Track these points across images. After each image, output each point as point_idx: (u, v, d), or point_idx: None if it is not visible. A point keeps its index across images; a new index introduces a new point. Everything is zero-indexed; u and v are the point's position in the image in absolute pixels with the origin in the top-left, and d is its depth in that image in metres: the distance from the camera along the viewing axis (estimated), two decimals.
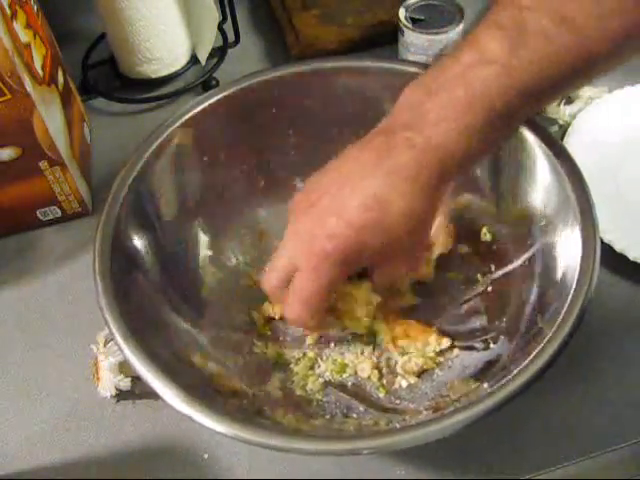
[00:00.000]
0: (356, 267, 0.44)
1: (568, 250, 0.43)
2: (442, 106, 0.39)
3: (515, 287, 0.48)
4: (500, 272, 0.50)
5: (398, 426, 0.41)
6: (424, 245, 0.46)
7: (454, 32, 0.63)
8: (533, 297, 0.46)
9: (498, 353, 0.45)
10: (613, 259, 0.52)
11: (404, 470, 0.46)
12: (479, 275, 0.51)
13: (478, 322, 0.49)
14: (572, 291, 0.40)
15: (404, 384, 0.47)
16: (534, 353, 0.38)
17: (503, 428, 0.46)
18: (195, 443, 0.47)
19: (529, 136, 0.46)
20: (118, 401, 0.50)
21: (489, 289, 0.50)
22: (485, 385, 0.42)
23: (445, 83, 0.40)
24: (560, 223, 0.45)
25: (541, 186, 0.47)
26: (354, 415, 0.46)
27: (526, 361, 0.38)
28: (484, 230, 0.52)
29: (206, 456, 0.47)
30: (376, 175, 0.40)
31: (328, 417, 0.46)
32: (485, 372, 0.45)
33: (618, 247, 0.52)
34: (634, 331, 0.51)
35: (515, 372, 0.38)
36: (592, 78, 0.42)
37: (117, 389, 0.49)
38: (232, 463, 0.47)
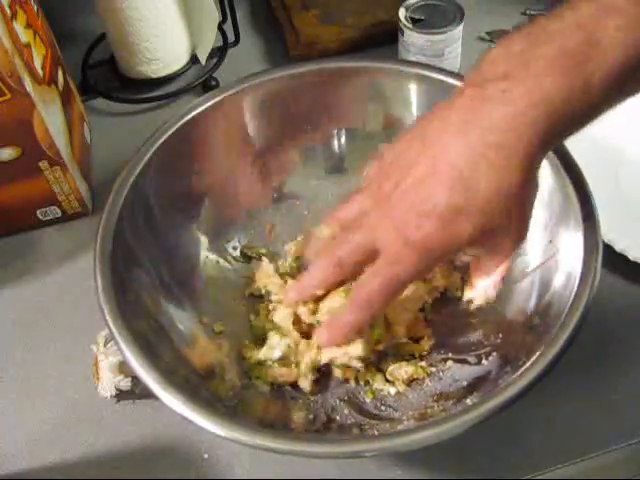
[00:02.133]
0: (446, 255, 0.37)
1: (569, 255, 0.43)
2: (554, 53, 0.33)
3: (514, 301, 0.47)
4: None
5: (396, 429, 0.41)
6: (525, 214, 0.38)
7: (454, 32, 0.63)
8: (532, 306, 0.45)
9: (488, 370, 0.44)
10: (613, 259, 0.52)
11: (403, 470, 0.46)
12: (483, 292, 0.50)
13: (474, 336, 0.48)
14: (572, 296, 0.40)
15: (392, 391, 0.47)
16: (534, 357, 0.38)
17: (503, 428, 0.46)
18: (195, 443, 0.47)
19: None
20: (118, 401, 0.50)
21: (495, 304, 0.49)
22: (468, 401, 0.41)
23: (559, 30, 0.33)
24: (562, 228, 0.44)
25: (544, 191, 0.46)
26: (337, 417, 0.45)
27: (527, 364, 0.38)
28: None
29: (206, 456, 0.47)
30: (463, 144, 0.34)
31: (311, 417, 0.45)
32: (473, 387, 0.44)
33: (618, 247, 0.52)
34: (634, 331, 0.51)
35: (518, 374, 0.38)
36: None
37: (117, 389, 0.49)
38: (232, 463, 0.47)
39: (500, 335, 0.46)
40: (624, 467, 0.47)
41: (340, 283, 0.43)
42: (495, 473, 0.45)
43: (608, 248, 0.52)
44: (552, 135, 0.34)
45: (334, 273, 0.41)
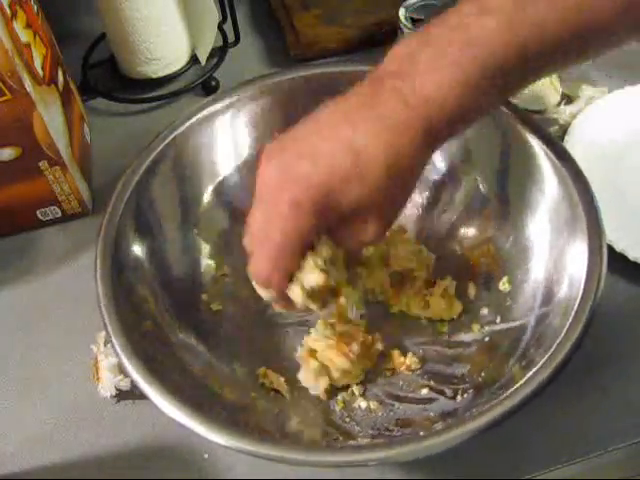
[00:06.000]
0: (328, 221, 0.38)
1: (574, 262, 0.43)
2: (436, 56, 0.36)
3: (510, 339, 0.46)
4: (505, 326, 0.48)
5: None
6: (399, 207, 0.41)
7: None
8: (535, 310, 0.45)
9: (458, 407, 0.44)
10: (613, 259, 0.52)
11: (403, 471, 0.46)
12: (479, 324, 0.49)
13: (460, 369, 0.47)
14: (577, 304, 0.40)
15: (363, 405, 0.47)
16: (537, 366, 0.38)
17: (503, 428, 0.46)
18: (195, 443, 0.47)
19: (534, 141, 0.47)
20: (118, 401, 0.50)
21: (486, 339, 0.48)
22: (421, 434, 0.39)
23: (442, 33, 0.37)
24: (567, 235, 0.44)
25: (549, 197, 0.47)
26: (298, 419, 0.46)
27: (530, 372, 0.38)
28: (504, 279, 0.49)
29: (206, 456, 0.47)
30: (357, 122, 0.37)
31: (276, 412, 0.45)
32: (438, 420, 0.43)
33: (618, 247, 0.52)
34: (634, 331, 0.51)
35: (525, 379, 0.38)
36: (586, 55, 0.40)
37: (117, 389, 0.49)
38: (232, 463, 0.47)
39: (483, 374, 0.45)
40: (624, 467, 0.47)
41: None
42: (495, 473, 0.45)
43: (608, 248, 0.51)
44: (437, 127, 0.37)
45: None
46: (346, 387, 0.48)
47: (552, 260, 0.46)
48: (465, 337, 0.49)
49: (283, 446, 0.38)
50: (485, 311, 0.49)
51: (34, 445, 0.49)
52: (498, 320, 0.48)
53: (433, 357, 0.49)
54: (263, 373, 0.48)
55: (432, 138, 0.37)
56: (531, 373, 0.38)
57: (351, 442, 0.43)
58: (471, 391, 0.44)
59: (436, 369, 0.48)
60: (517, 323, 0.46)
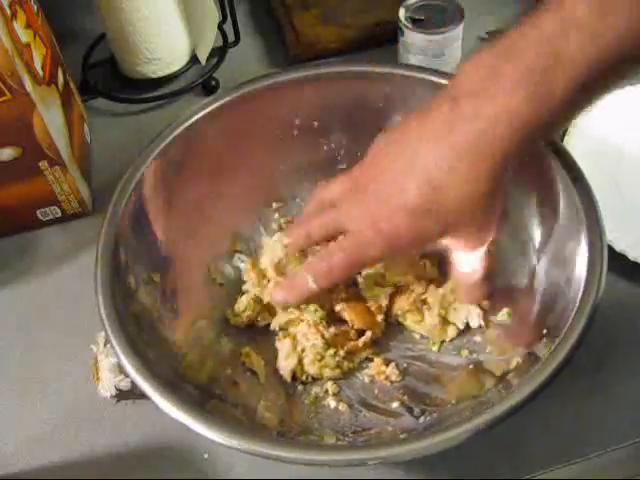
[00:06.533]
0: (416, 248, 0.45)
1: (574, 264, 0.43)
2: (520, 71, 0.35)
3: (493, 373, 0.45)
4: (492, 357, 0.47)
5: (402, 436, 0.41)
6: (489, 224, 0.42)
7: (454, 32, 0.63)
8: (535, 312, 0.45)
9: (418, 427, 0.44)
10: (613, 259, 0.52)
11: (403, 471, 0.46)
12: (469, 350, 0.48)
13: (436, 391, 0.47)
14: (577, 305, 0.40)
15: (332, 405, 0.47)
16: (535, 369, 0.38)
17: (503, 428, 0.46)
18: (195, 443, 0.47)
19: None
20: (118, 401, 0.50)
21: (470, 366, 0.47)
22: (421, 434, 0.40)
23: (525, 47, 0.36)
24: (566, 236, 0.44)
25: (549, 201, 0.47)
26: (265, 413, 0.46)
27: (533, 370, 0.38)
28: (504, 311, 0.48)
29: (206, 456, 0.47)
30: (436, 154, 0.38)
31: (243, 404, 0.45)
32: (393, 435, 0.43)
33: (618, 247, 0.52)
34: (634, 331, 0.51)
35: (527, 378, 0.38)
36: None
37: (117, 389, 0.49)
38: (232, 463, 0.47)
39: (453, 401, 0.45)
40: (624, 467, 0.47)
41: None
42: (495, 473, 0.45)
43: (608, 248, 0.51)
44: (519, 148, 0.37)
45: (303, 243, 0.48)
46: (322, 383, 0.48)
47: (552, 261, 0.46)
48: (452, 360, 0.48)
49: (282, 445, 0.38)
50: (478, 339, 0.49)
51: (34, 445, 0.49)
52: (487, 350, 0.48)
53: (415, 373, 0.48)
54: (246, 353, 0.49)
55: (513, 154, 0.37)
56: (533, 371, 0.38)
57: (312, 437, 0.44)
58: (435, 415, 0.44)
59: (413, 385, 0.47)
60: (506, 357, 0.45)
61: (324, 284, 0.45)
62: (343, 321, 0.49)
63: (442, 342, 0.49)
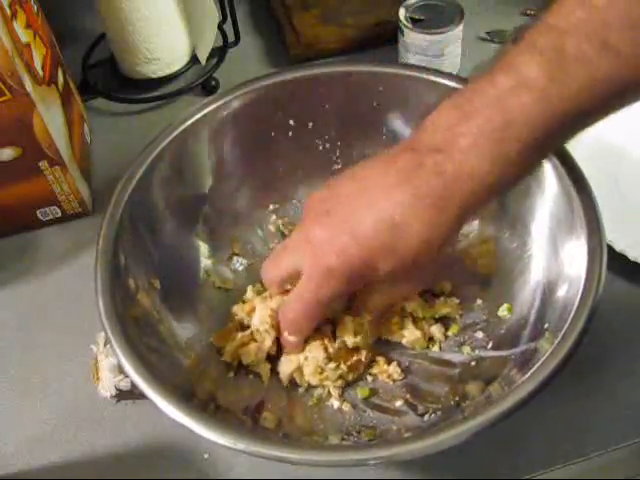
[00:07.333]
0: (359, 286, 0.43)
1: (573, 263, 0.42)
2: (476, 132, 0.37)
3: (494, 369, 0.45)
4: (493, 353, 0.47)
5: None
6: (429, 273, 0.45)
7: (454, 32, 0.63)
8: (534, 312, 0.45)
9: (422, 425, 0.44)
10: (613, 259, 0.52)
11: (402, 471, 0.46)
12: (470, 347, 0.48)
13: (438, 388, 0.46)
14: (576, 304, 0.40)
15: (335, 405, 0.47)
16: (536, 366, 0.38)
17: (503, 428, 0.46)
18: (195, 443, 0.47)
19: None
20: (118, 401, 0.50)
21: (472, 363, 0.47)
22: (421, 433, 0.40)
23: (480, 107, 0.37)
24: (566, 235, 0.44)
25: (548, 197, 0.47)
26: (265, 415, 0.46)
27: (532, 370, 0.38)
28: (504, 307, 0.48)
29: (206, 456, 0.47)
30: (398, 198, 0.39)
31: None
32: (397, 434, 0.43)
33: (618, 247, 0.52)
34: (634, 331, 0.51)
35: (526, 377, 0.38)
36: (622, 108, 0.39)
37: (117, 389, 0.49)
38: (232, 463, 0.47)
39: (457, 398, 0.45)
40: (624, 467, 0.47)
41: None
42: (495, 473, 0.45)
43: (608, 248, 0.51)
44: (476, 205, 0.39)
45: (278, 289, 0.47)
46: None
47: (551, 259, 0.46)
48: (453, 357, 0.48)
49: (282, 446, 0.38)
50: (480, 335, 0.49)
51: (34, 445, 0.49)
52: (489, 346, 0.48)
53: (417, 371, 0.48)
54: None
55: (468, 211, 0.39)
56: (533, 370, 0.38)
57: (316, 438, 0.44)
58: (439, 413, 0.44)
59: (416, 383, 0.47)
60: (506, 353, 0.45)
61: (299, 336, 0.45)
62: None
63: (446, 339, 0.50)
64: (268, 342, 0.47)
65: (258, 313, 0.48)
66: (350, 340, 0.47)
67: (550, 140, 0.38)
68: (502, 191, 0.40)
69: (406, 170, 0.39)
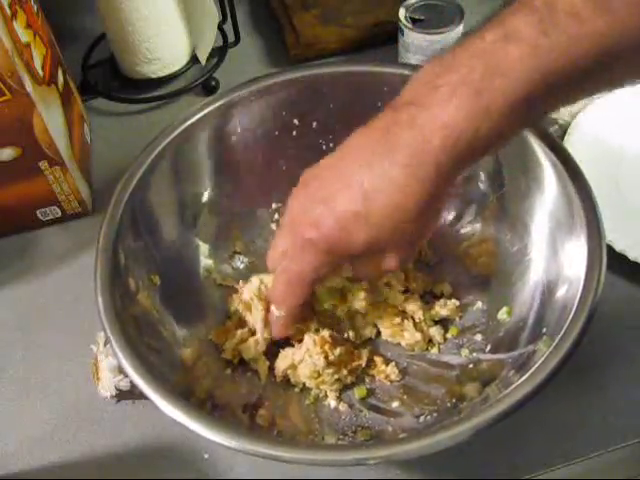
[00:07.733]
0: (344, 257, 0.41)
1: (573, 264, 0.42)
2: (457, 82, 0.35)
3: (492, 372, 0.45)
4: (492, 357, 0.47)
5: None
6: (416, 239, 0.41)
7: (454, 32, 0.63)
8: (534, 312, 0.45)
9: (417, 427, 0.44)
10: (613, 259, 0.52)
11: (402, 470, 0.46)
12: (469, 350, 0.49)
13: (436, 390, 0.46)
14: (576, 305, 0.40)
15: (332, 404, 0.47)
16: (534, 368, 0.38)
17: (503, 428, 0.46)
18: (195, 443, 0.47)
19: (533, 141, 0.46)
20: (118, 401, 0.50)
21: (470, 366, 0.47)
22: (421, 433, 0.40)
23: (464, 60, 0.35)
24: (566, 235, 0.44)
25: (548, 198, 0.46)
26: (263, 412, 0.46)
27: (530, 371, 0.38)
28: (504, 310, 0.48)
29: (206, 456, 0.47)
30: (370, 161, 0.37)
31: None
32: (392, 435, 0.43)
33: (618, 247, 0.52)
34: (634, 331, 0.51)
35: (525, 378, 0.38)
36: (614, 81, 0.37)
37: (117, 389, 0.49)
38: (232, 463, 0.47)
39: (454, 400, 0.45)
40: (624, 467, 0.47)
41: None
42: (495, 473, 0.45)
43: (608, 248, 0.51)
44: (455, 161, 0.36)
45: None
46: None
47: (551, 260, 0.46)
48: (451, 359, 0.48)
49: (281, 445, 0.38)
50: (479, 337, 0.49)
51: (34, 445, 0.49)
52: (488, 349, 0.48)
53: (414, 372, 0.48)
54: None
55: (447, 170, 0.36)
56: (531, 372, 0.38)
57: (311, 437, 0.44)
58: (435, 415, 0.44)
59: (413, 384, 0.47)
60: (504, 356, 0.45)
61: (284, 309, 0.45)
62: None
63: (444, 341, 0.50)
64: (258, 317, 0.47)
65: (248, 286, 0.49)
66: (360, 304, 0.47)
67: (534, 101, 0.35)
68: (481, 151, 0.37)
69: (383, 129, 0.37)
